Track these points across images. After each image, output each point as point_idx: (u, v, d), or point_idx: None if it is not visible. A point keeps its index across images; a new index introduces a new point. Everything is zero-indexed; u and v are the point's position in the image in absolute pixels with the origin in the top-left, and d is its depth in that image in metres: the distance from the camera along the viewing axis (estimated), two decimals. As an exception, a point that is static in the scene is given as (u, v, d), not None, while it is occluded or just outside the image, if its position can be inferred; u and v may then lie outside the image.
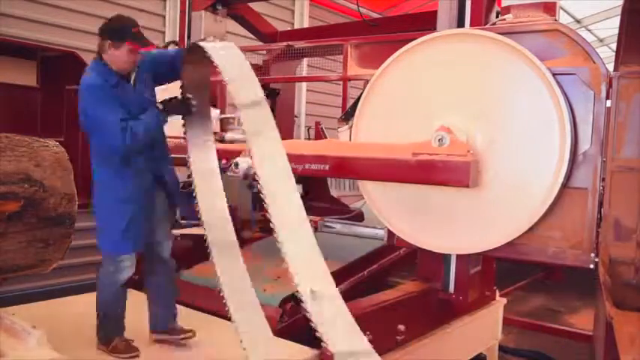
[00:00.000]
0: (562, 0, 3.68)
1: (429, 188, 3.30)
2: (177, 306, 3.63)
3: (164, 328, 3.49)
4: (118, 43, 3.00)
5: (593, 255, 3.05)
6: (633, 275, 2.73)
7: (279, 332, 3.65)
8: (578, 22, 13.47)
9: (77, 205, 2.84)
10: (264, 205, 2.47)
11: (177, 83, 3.25)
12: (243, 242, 5.17)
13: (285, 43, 4.44)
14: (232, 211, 4.17)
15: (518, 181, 3.12)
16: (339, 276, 4.25)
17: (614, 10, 11.98)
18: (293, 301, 3.89)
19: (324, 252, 4.76)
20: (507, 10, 3.47)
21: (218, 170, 3.31)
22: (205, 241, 3.11)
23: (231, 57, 3.00)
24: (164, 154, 3.35)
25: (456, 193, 3.21)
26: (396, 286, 4.14)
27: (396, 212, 3.58)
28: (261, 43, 5.90)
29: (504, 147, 3.12)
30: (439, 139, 3.22)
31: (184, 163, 4.15)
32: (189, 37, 5.20)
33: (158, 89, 3.31)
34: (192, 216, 3.53)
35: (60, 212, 2.67)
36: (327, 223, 4.15)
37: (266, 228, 5.40)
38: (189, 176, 4.35)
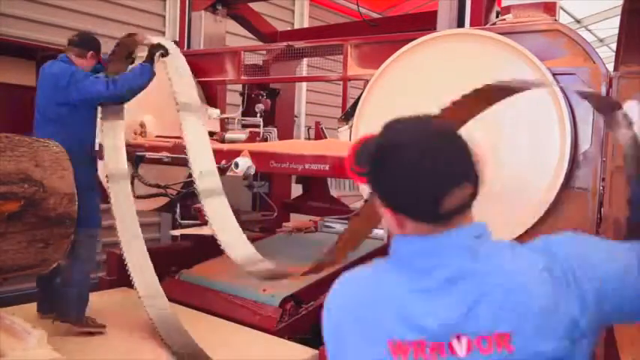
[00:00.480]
0: (562, 0, 3.68)
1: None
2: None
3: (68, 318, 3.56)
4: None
5: (593, 255, 3.04)
6: (633, 275, 2.73)
7: (279, 332, 3.65)
8: (578, 22, 13.46)
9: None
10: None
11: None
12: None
13: (285, 43, 4.44)
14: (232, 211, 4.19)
15: (518, 181, 3.11)
16: (339, 276, 4.26)
17: (614, 10, 11.97)
18: (293, 301, 3.89)
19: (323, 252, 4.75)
20: (507, 10, 3.47)
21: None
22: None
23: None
24: None
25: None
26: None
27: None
28: (261, 43, 5.90)
29: (504, 147, 3.11)
30: (439, 139, 3.21)
31: (184, 163, 4.16)
32: (189, 37, 5.20)
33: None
34: None
35: (60, 212, 2.67)
36: (327, 223, 4.15)
37: (266, 228, 5.43)
38: (189, 176, 4.37)
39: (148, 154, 4.36)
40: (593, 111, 3.04)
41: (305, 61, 4.97)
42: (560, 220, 3.06)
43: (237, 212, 4.21)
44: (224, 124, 4.73)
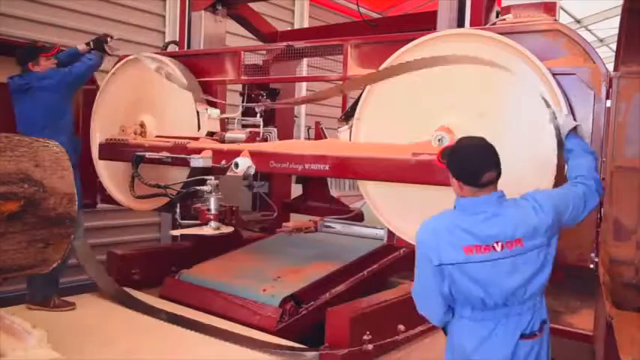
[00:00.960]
0: (562, 0, 3.68)
1: (429, 188, 3.30)
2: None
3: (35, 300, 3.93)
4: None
5: (593, 255, 3.05)
6: (633, 275, 2.73)
7: (279, 332, 3.65)
8: (578, 22, 13.46)
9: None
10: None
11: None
12: (242, 242, 5.19)
13: (285, 43, 4.43)
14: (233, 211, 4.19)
15: (518, 181, 3.11)
16: (339, 276, 4.26)
17: (614, 10, 11.97)
18: (293, 301, 3.89)
19: (324, 252, 4.79)
20: (507, 10, 3.47)
21: None
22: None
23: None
24: None
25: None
26: (396, 286, 4.14)
27: (396, 212, 3.58)
28: (261, 43, 5.89)
29: (504, 147, 3.10)
30: (439, 139, 3.22)
31: (185, 163, 4.16)
32: (189, 37, 5.20)
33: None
34: None
35: (60, 212, 2.67)
36: (327, 223, 4.15)
37: (266, 228, 5.43)
38: (189, 176, 4.37)
39: (148, 154, 4.36)
40: (593, 111, 3.04)
41: (305, 61, 4.96)
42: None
43: (237, 212, 4.22)
44: (224, 124, 4.73)
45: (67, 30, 6.04)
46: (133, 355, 3.26)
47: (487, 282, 2.13)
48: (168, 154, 4.29)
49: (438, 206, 3.29)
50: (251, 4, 5.74)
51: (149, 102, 4.74)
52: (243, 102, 5.18)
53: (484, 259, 2.11)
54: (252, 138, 4.35)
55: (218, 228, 4.01)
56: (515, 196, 2.34)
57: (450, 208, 2.35)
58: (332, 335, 3.27)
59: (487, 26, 3.49)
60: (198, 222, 4.10)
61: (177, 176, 4.48)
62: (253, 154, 3.88)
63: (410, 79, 3.49)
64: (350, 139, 3.73)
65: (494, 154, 2.23)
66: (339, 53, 4.03)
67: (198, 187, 4.11)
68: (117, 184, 4.96)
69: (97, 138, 4.93)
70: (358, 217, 4.94)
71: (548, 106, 2.96)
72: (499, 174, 2.22)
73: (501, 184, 2.32)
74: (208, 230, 4.00)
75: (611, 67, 3.08)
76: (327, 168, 3.56)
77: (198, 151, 4.12)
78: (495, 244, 2.13)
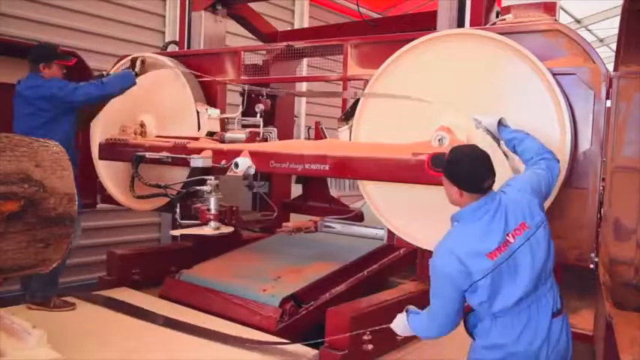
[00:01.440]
0: (562, 0, 3.68)
1: (429, 188, 3.29)
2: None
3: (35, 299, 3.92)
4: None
5: (593, 255, 3.05)
6: (633, 275, 2.73)
7: (279, 332, 3.65)
8: (578, 22, 13.46)
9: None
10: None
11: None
12: (242, 242, 5.19)
13: (285, 43, 4.43)
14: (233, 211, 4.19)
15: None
16: (339, 276, 4.26)
17: (614, 10, 11.96)
18: (293, 301, 3.89)
19: (324, 252, 4.79)
20: (507, 10, 3.47)
21: None
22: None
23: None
24: None
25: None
26: (396, 286, 4.14)
27: (396, 212, 3.59)
28: (261, 43, 5.89)
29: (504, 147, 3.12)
30: (439, 139, 3.21)
31: (185, 163, 4.16)
32: (189, 37, 5.20)
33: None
34: None
35: (60, 212, 2.66)
36: (327, 223, 4.15)
37: (266, 228, 5.42)
38: (189, 176, 4.37)
39: (148, 154, 4.36)
40: (593, 111, 3.04)
41: (305, 61, 4.97)
42: (561, 218, 3.06)
43: (237, 212, 4.22)
44: (224, 124, 4.73)
45: (67, 30, 6.04)
46: (133, 355, 3.26)
47: (518, 274, 2.24)
48: (168, 154, 4.29)
49: (438, 206, 3.31)
50: (251, 4, 5.74)
51: (149, 102, 4.74)
52: (243, 102, 5.19)
53: (507, 257, 2.23)
54: (252, 138, 4.35)
55: (218, 228, 4.01)
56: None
57: (451, 209, 2.46)
58: (332, 335, 3.27)
59: (487, 26, 3.49)
60: (198, 222, 4.11)
61: (177, 176, 4.48)
62: (253, 154, 3.88)
63: (410, 78, 3.49)
64: (350, 139, 3.73)
65: (490, 161, 2.38)
66: (339, 53, 4.03)
67: (198, 187, 4.12)
68: (117, 184, 4.97)
69: (97, 138, 4.93)
70: (358, 217, 4.94)
71: (474, 119, 3.00)
72: (494, 179, 2.38)
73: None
74: (208, 230, 4.00)
75: (611, 67, 3.08)
76: (327, 168, 3.56)
77: (198, 151, 4.12)
78: (508, 237, 2.25)
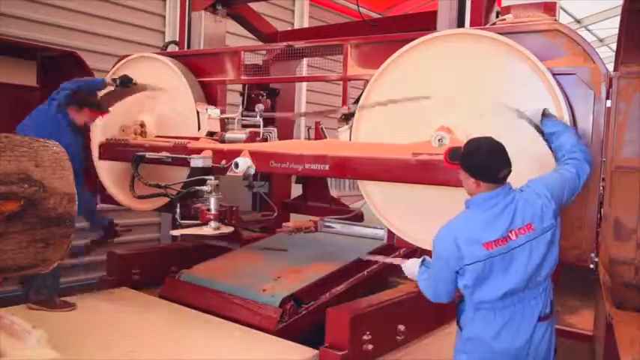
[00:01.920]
0: (562, 0, 3.68)
1: (429, 188, 3.30)
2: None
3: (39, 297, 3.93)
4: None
5: (593, 255, 3.05)
6: (633, 275, 2.73)
7: (279, 332, 3.65)
8: (578, 22, 13.46)
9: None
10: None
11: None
12: (242, 242, 5.19)
13: (285, 43, 4.43)
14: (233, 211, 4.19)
15: (518, 181, 3.11)
16: (339, 276, 4.26)
17: (614, 10, 11.97)
18: (293, 301, 3.89)
19: (324, 252, 4.79)
20: (507, 10, 3.47)
21: None
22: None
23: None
24: None
25: (456, 193, 3.21)
26: (396, 286, 4.14)
27: (396, 212, 3.58)
28: (261, 43, 5.89)
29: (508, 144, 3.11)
30: (439, 139, 3.21)
31: (185, 163, 4.16)
32: (189, 37, 5.20)
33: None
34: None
35: (60, 212, 2.66)
36: (327, 223, 4.15)
37: (266, 228, 5.42)
38: (189, 176, 4.37)
39: (148, 154, 4.36)
40: (593, 111, 3.04)
41: (305, 61, 4.97)
42: (561, 219, 3.06)
43: (237, 212, 4.22)
44: (224, 124, 4.73)
45: (67, 30, 6.04)
46: (133, 355, 3.26)
47: (508, 270, 2.30)
48: (168, 154, 4.29)
49: (438, 205, 3.31)
50: (251, 4, 5.74)
51: (149, 102, 4.74)
52: (243, 102, 5.19)
53: (503, 251, 2.29)
54: (252, 138, 4.35)
55: (218, 228, 4.01)
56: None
57: (451, 209, 2.52)
58: (332, 335, 3.27)
59: (487, 26, 3.49)
60: (198, 222, 4.11)
61: (177, 176, 4.49)
62: (253, 154, 3.88)
63: (410, 78, 3.49)
64: (350, 139, 3.73)
65: (506, 152, 2.42)
66: (339, 53, 4.03)
67: (198, 187, 4.12)
68: (117, 184, 4.97)
69: (97, 138, 4.93)
70: (358, 217, 4.94)
71: (512, 109, 3.00)
72: (511, 169, 2.42)
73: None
74: (208, 230, 4.00)
75: (611, 67, 3.08)
76: (327, 168, 3.56)
77: (198, 151, 4.12)
78: (510, 234, 2.31)
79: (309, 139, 6.08)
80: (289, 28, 8.36)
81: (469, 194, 2.48)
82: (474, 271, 2.31)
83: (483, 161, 2.39)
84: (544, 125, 2.86)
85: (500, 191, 2.37)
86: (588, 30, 13.91)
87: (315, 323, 3.69)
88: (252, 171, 3.88)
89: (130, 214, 6.17)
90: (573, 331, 3.63)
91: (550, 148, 2.88)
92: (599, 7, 12.88)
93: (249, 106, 5.00)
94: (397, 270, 4.70)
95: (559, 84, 3.04)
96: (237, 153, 3.92)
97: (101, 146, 4.70)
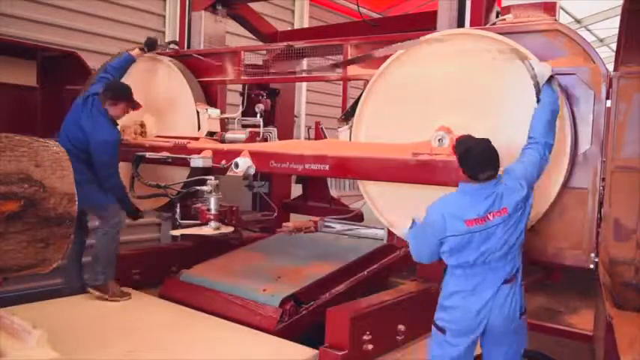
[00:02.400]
0: (562, 0, 3.68)
1: (429, 188, 3.30)
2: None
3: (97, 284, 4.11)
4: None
5: (593, 255, 3.05)
6: (633, 275, 2.73)
7: (279, 332, 3.65)
8: (578, 22, 13.46)
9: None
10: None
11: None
12: (242, 242, 5.19)
13: (285, 43, 4.44)
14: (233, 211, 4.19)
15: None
16: (339, 276, 4.26)
17: (614, 10, 11.96)
18: (293, 301, 3.89)
19: (324, 252, 4.79)
20: (507, 10, 3.47)
21: None
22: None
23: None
24: None
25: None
26: (396, 286, 4.14)
27: (396, 212, 3.58)
28: (261, 43, 5.89)
29: (504, 147, 3.11)
30: (439, 139, 3.22)
31: (185, 163, 4.16)
32: (189, 37, 5.20)
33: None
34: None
35: (60, 212, 2.67)
36: (327, 223, 4.15)
37: (266, 228, 5.43)
38: (189, 176, 4.37)
39: (148, 154, 4.36)
40: (593, 111, 3.04)
41: (305, 61, 4.97)
42: (561, 219, 3.06)
43: (237, 212, 4.22)
44: (224, 124, 4.73)
45: (67, 30, 6.04)
46: (133, 355, 3.26)
47: (480, 243, 2.71)
48: (168, 154, 4.29)
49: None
50: (251, 4, 5.74)
51: (149, 102, 4.74)
52: (243, 102, 5.19)
53: (481, 229, 2.70)
54: (252, 138, 4.35)
55: (218, 228, 4.01)
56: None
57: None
58: (332, 335, 3.27)
59: (487, 26, 3.49)
60: (198, 222, 4.11)
61: (177, 176, 4.49)
62: (253, 154, 3.88)
63: (410, 78, 3.50)
64: (350, 139, 3.73)
65: (496, 157, 2.73)
66: (339, 53, 4.03)
67: (198, 187, 4.12)
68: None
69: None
70: (358, 217, 4.94)
71: (525, 58, 3.03)
72: (497, 172, 2.75)
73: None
74: (208, 230, 4.00)
75: (611, 67, 3.08)
76: (327, 168, 3.56)
77: (198, 151, 4.12)
78: (489, 215, 2.70)
79: (309, 139, 6.09)
80: (289, 28, 8.36)
81: (460, 182, 2.85)
82: (453, 242, 2.73)
83: (474, 162, 2.73)
84: (543, 89, 2.95)
85: (487, 185, 2.73)
86: (588, 30, 13.91)
87: (315, 323, 3.69)
88: (252, 171, 3.88)
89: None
90: (573, 331, 3.62)
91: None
92: (599, 7, 12.88)
93: (249, 107, 5.00)
94: (397, 270, 4.72)
95: (559, 84, 3.04)
96: (237, 153, 3.92)
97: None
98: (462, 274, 2.79)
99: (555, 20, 3.29)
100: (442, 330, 2.86)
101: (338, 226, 4.16)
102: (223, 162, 3.98)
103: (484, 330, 2.79)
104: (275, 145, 4.07)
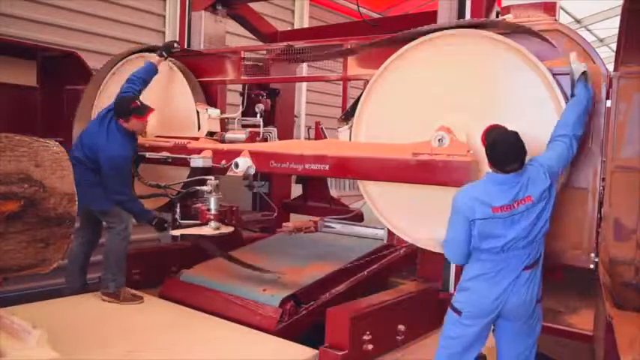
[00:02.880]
0: (562, 0, 3.68)
1: (429, 188, 3.30)
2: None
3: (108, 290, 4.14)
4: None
5: (593, 255, 3.05)
6: (633, 275, 2.73)
7: (279, 332, 3.65)
8: (578, 22, 13.46)
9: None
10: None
11: None
12: (242, 242, 5.19)
13: (285, 43, 4.43)
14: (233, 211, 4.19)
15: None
16: (339, 276, 4.26)
17: (614, 10, 11.96)
18: (293, 301, 3.89)
19: (324, 252, 4.79)
20: (507, 10, 3.47)
21: None
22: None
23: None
24: None
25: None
26: (396, 286, 4.14)
27: (396, 212, 3.58)
28: (261, 43, 5.89)
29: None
30: (439, 139, 3.22)
31: (185, 163, 4.17)
32: (189, 37, 5.20)
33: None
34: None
35: (60, 212, 2.67)
36: (327, 223, 4.15)
37: (266, 228, 5.43)
38: (189, 176, 4.37)
39: (148, 154, 4.36)
40: (593, 111, 3.04)
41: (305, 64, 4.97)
42: (561, 219, 3.06)
43: (237, 212, 4.22)
44: (224, 124, 4.73)
45: (67, 30, 6.04)
46: (133, 355, 3.26)
47: (506, 230, 2.78)
48: (168, 154, 4.29)
49: (438, 205, 3.31)
50: (251, 4, 5.74)
51: (150, 102, 4.74)
52: (243, 102, 5.19)
53: (507, 216, 2.78)
54: (252, 138, 4.35)
55: (218, 228, 4.01)
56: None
57: (450, 206, 2.91)
58: (332, 335, 3.27)
59: (487, 26, 3.49)
60: (198, 222, 4.11)
61: (177, 176, 4.49)
62: (253, 154, 3.88)
63: (410, 78, 3.49)
64: (350, 139, 3.73)
65: (522, 151, 2.80)
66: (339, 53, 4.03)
67: (198, 187, 4.12)
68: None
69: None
70: (358, 217, 4.94)
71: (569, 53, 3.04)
72: (523, 164, 2.83)
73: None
74: (208, 230, 4.00)
75: (611, 67, 3.08)
76: (327, 168, 3.57)
77: (198, 151, 4.12)
78: (515, 204, 2.78)
79: (309, 139, 6.09)
80: (289, 28, 8.36)
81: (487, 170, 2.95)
82: (480, 225, 2.82)
83: (500, 154, 2.81)
84: (577, 85, 3.00)
85: (515, 176, 2.80)
86: (588, 30, 13.91)
87: (315, 323, 3.69)
88: (252, 171, 3.88)
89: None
90: (573, 331, 3.62)
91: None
92: (599, 7, 12.88)
93: (249, 107, 5.00)
94: (397, 270, 4.72)
95: (559, 84, 3.04)
96: (237, 153, 3.92)
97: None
98: (487, 259, 2.86)
99: (555, 20, 3.29)
100: (458, 311, 2.93)
101: (338, 226, 4.16)
102: (223, 162, 3.98)
103: (499, 313, 2.88)
104: (275, 145, 4.07)
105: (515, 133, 2.80)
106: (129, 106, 4.12)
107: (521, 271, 2.83)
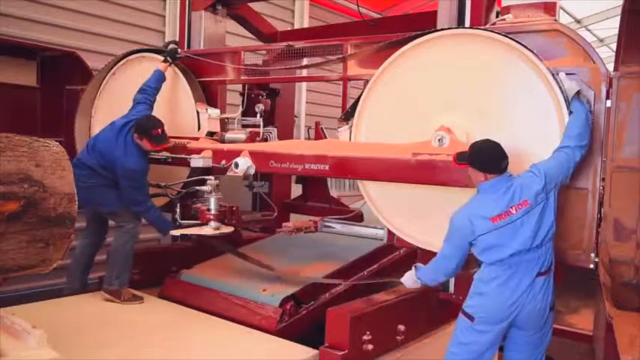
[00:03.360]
0: (562, 0, 3.68)
1: (429, 188, 3.30)
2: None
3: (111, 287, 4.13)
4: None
5: (593, 255, 3.05)
6: (633, 275, 2.73)
7: (279, 332, 3.65)
8: (578, 22, 13.46)
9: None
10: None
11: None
12: (242, 242, 5.19)
13: (285, 43, 4.43)
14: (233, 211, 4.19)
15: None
16: (339, 276, 4.26)
17: (614, 10, 11.96)
18: (293, 301, 3.89)
19: (324, 252, 4.79)
20: (507, 10, 3.47)
21: None
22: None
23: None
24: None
25: (456, 193, 3.21)
26: (396, 286, 4.14)
27: (396, 212, 3.58)
28: (261, 43, 5.89)
29: (504, 147, 3.11)
30: (439, 139, 3.22)
31: (185, 163, 4.16)
32: (189, 37, 5.20)
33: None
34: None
35: (60, 212, 2.66)
36: (327, 223, 4.15)
37: (266, 228, 5.42)
38: (189, 176, 4.37)
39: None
40: (592, 111, 3.04)
41: (305, 61, 4.96)
42: (561, 219, 3.06)
43: (237, 212, 4.22)
44: (224, 124, 4.73)
45: (67, 30, 6.04)
46: (133, 355, 3.26)
47: (511, 238, 2.83)
48: (168, 154, 4.29)
49: (438, 205, 3.31)
50: (251, 4, 5.73)
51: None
52: (243, 102, 5.19)
53: (506, 223, 2.83)
54: (252, 138, 4.35)
55: (218, 228, 4.01)
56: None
57: (451, 209, 2.94)
58: (332, 335, 3.27)
59: (487, 26, 3.49)
60: (198, 222, 4.11)
61: (177, 176, 4.48)
62: (253, 154, 3.88)
63: (410, 78, 3.49)
64: (350, 139, 3.73)
65: (502, 147, 2.90)
66: (340, 53, 4.03)
67: (198, 187, 4.11)
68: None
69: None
70: (358, 217, 4.94)
71: (556, 73, 3.06)
72: (508, 160, 2.90)
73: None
74: (208, 230, 4.00)
75: (611, 67, 3.08)
76: (327, 168, 3.56)
77: (198, 151, 4.12)
78: (511, 209, 2.83)
79: (309, 139, 6.09)
80: (289, 28, 8.36)
81: (478, 184, 2.98)
82: (483, 241, 2.86)
83: (490, 157, 2.88)
84: (573, 103, 3.02)
85: (502, 178, 2.87)
86: (588, 30, 13.91)
87: (315, 323, 3.69)
88: (252, 171, 3.88)
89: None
90: (573, 331, 3.62)
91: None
92: (599, 7, 12.88)
93: (249, 107, 4.99)
94: (396, 270, 4.71)
95: (559, 84, 3.04)
96: (237, 153, 3.92)
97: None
98: (498, 267, 2.88)
99: (555, 20, 3.29)
100: (470, 317, 2.92)
101: (338, 226, 4.16)
102: (223, 162, 3.98)
103: (512, 321, 2.88)
104: (275, 145, 4.07)
105: (488, 139, 2.93)
106: (150, 129, 4.04)
107: (535, 277, 2.85)
